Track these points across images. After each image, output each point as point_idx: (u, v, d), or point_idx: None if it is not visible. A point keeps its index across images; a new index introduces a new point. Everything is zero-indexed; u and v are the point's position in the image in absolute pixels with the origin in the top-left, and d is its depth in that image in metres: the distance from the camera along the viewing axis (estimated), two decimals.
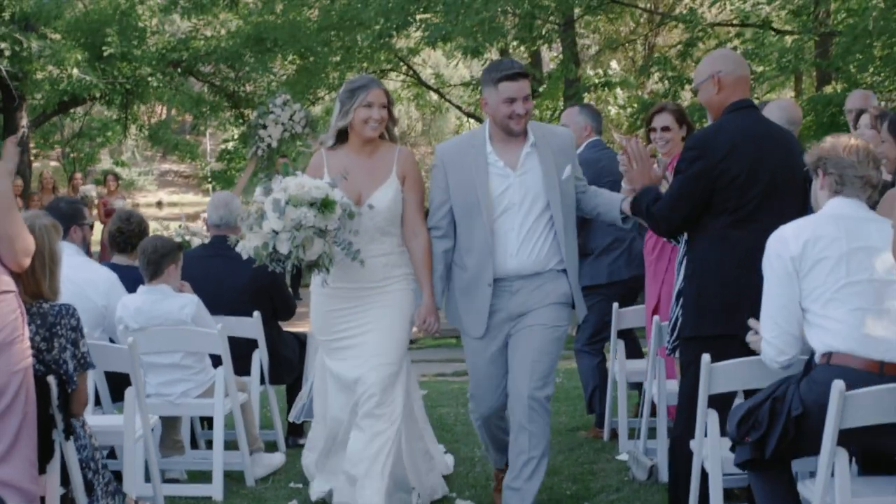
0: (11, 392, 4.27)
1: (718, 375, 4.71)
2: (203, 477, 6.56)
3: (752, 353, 4.65)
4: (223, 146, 34.96)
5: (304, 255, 5.17)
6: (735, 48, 17.09)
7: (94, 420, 5.46)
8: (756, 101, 13.96)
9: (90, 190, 18.04)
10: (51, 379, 4.61)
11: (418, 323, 5.55)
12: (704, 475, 4.87)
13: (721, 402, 4.84)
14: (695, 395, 4.84)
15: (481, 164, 5.47)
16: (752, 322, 4.54)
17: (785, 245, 4.32)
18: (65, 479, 4.77)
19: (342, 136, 5.67)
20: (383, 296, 5.61)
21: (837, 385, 3.84)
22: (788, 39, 18.13)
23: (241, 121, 23.93)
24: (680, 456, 5.16)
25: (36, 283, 4.63)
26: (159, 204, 40.06)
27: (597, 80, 22.11)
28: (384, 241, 5.60)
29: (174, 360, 6.45)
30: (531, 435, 5.40)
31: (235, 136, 29.16)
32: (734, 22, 18.91)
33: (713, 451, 4.73)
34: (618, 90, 23.02)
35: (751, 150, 4.91)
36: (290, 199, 5.15)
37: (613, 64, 25.01)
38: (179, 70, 21.46)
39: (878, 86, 16.56)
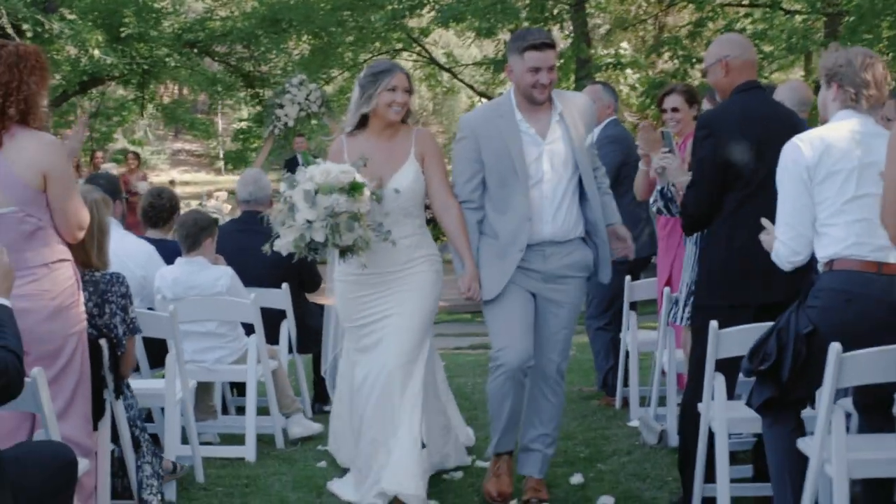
0: (68, 353, 4.60)
1: (726, 341, 5.01)
2: (235, 440, 6.91)
3: (761, 320, 4.97)
4: (235, 125, 35.33)
5: (339, 241, 5.20)
6: (744, 28, 17.37)
7: (135, 384, 5.79)
8: (765, 81, 14.22)
9: (111, 168, 18.36)
10: (102, 342, 4.94)
11: (463, 290, 5.53)
12: (711, 437, 5.18)
13: (728, 367, 5.16)
14: (704, 360, 5.16)
15: (514, 131, 5.50)
16: (764, 221, 4.77)
17: (801, 153, 4.52)
18: (114, 437, 5.12)
19: (362, 122, 5.70)
20: (406, 279, 5.63)
21: (835, 348, 4.14)
22: (798, 19, 18.34)
23: (256, 100, 24.22)
24: (689, 418, 5.46)
25: (85, 253, 4.95)
26: (172, 182, 40.32)
27: (608, 60, 22.33)
28: (407, 224, 5.62)
29: (209, 328, 6.80)
30: (553, 406, 5.71)
31: (248, 116, 29.48)
32: (744, 2, 19.15)
33: (719, 413, 5.03)
34: (628, 70, 23.26)
35: (757, 128, 5.17)
36: (319, 188, 5.18)
37: (624, 44, 25.22)
38: (196, 50, 21.76)
39: (888, 65, 16.79)
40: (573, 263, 5.62)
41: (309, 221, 5.17)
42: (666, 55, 19.69)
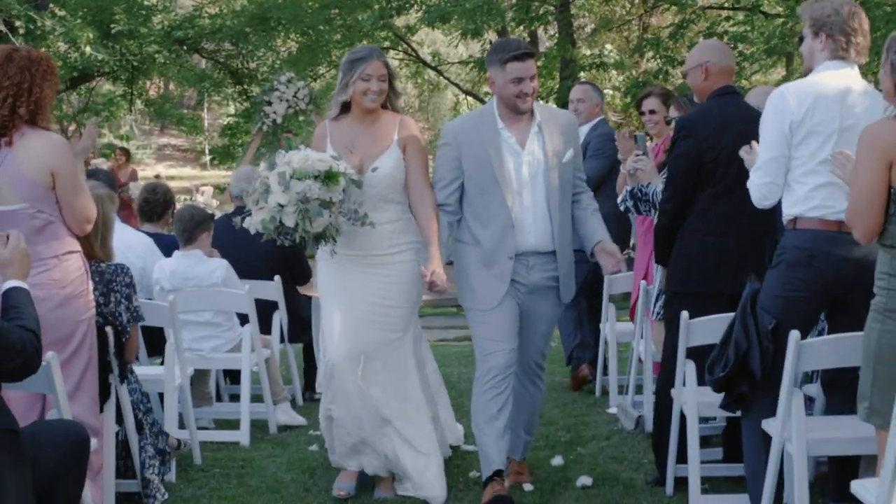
0: (78, 338, 4.89)
1: (696, 329, 5.33)
2: (229, 425, 7.20)
3: (732, 310, 5.28)
4: (221, 121, 35.50)
5: (310, 227, 5.26)
6: (725, 31, 17.67)
7: (135, 371, 6.06)
8: (745, 83, 14.38)
9: (101, 164, 18.58)
10: (108, 329, 5.23)
11: (427, 276, 5.41)
12: (684, 421, 5.49)
13: (699, 355, 5.47)
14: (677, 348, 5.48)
15: (495, 140, 5.52)
16: (744, 151, 5.04)
17: (788, 107, 4.72)
18: (119, 419, 5.40)
19: (346, 107, 5.75)
20: (390, 268, 5.68)
21: (794, 335, 4.45)
22: (777, 22, 18.66)
23: (244, 97, 24.43)
24: (663, 404, 5.78)
25: (90, 245, 5.22)
26: (157, 177, 40.58)
27: (592, 61, 22.62)
28: (388, 209, 5.66)
29: (206, 318, 7.09)
30: (534, 398, 5.89)
31: (234, 112, 29.68)
32: (725, 4, 19.46)
33: (690, 398, 5.34)
34: (612, 72, 23.57)
35: (732, 132, 5.44)
36: (294, 173, 5.25)
37: (608, 45, 25.53)
38: (185, 48, 21.98)
39: (863, 68, 17.11)
40: (552, 275, 5.62)
41: (280, 205, 5.25)
42: (648, 55, 19.97)
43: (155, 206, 7.57)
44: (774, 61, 21.39)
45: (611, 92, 23.60)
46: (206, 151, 42.02)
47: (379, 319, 5.66)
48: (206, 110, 39.74)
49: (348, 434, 5.74)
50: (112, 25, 20.45)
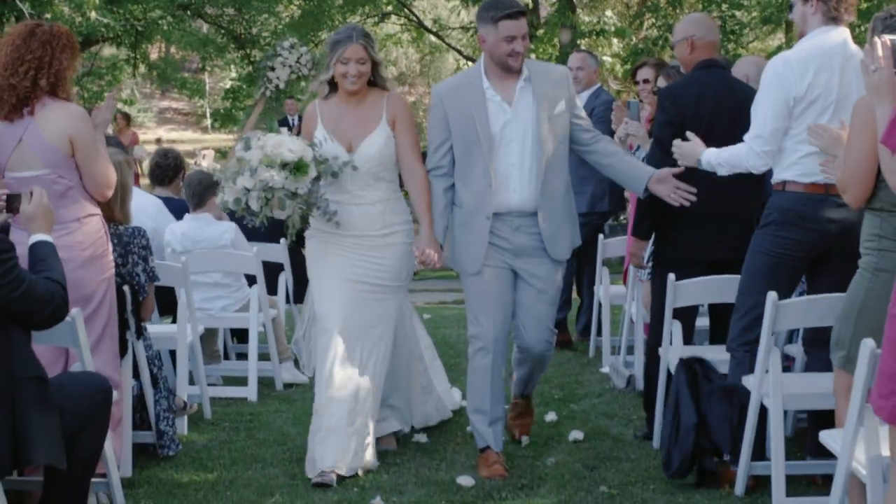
0: (99, 296, 5.19)
1: (682, 292, 5.63)
2: (236, 381, 7.51)
3: (712, 274, 5.59)
4: (222, 84, 35.65)
5: (271, 214, 5.32)
6: (722, 0, 17.88)
7: (149, 328, 6.36)
8: (743, 51, 14.60)
9: None
10: (126, 289, 5.52)
11: (418, 255, 5.49)
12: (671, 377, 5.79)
13: (685, 315, 5.79)
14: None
15: (479, 99, 5.48)
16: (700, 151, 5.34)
17: (790, 79, 4.95)
18: (134, 374, 5.70)
19: (334, 86, 5.72)
20: (382, 250, 5.68)
21: (771, 296, 4.74)
22: None
23: (246, 61, 24.66)
24: (652, 361, 6.09)
25: (109, 209, 5.50)
26: (158, 141, 40.74)
27: (592, 28, 22.80)
28: (379, 187, 5.66)
29: (215, 279, 7.39)
30: (542, 367, 5.97)
31: (235, 76, 29.89)
32: None
33: (675, 355, 5.65)
34: (613, 39, 23.74)
35: (711, 102, 5.72)
36: (262, 159, 5.27)
37: (608, 13, 25.68)
38: (188, 13, 22.20)
39: (861, 36, 17.31)
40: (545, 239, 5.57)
41: (247, 189, 5.29)
42: (648, 23, 20.18)
43: (166, 170, 7.85)
44: (773, 28, 21.57)
45: (610, 59, 23.79)
46: (208, 115, 42.15)
47: (369, 298, 5.66)
48: (206, 74, 39.88)
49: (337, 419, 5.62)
50: None
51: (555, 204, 5.58)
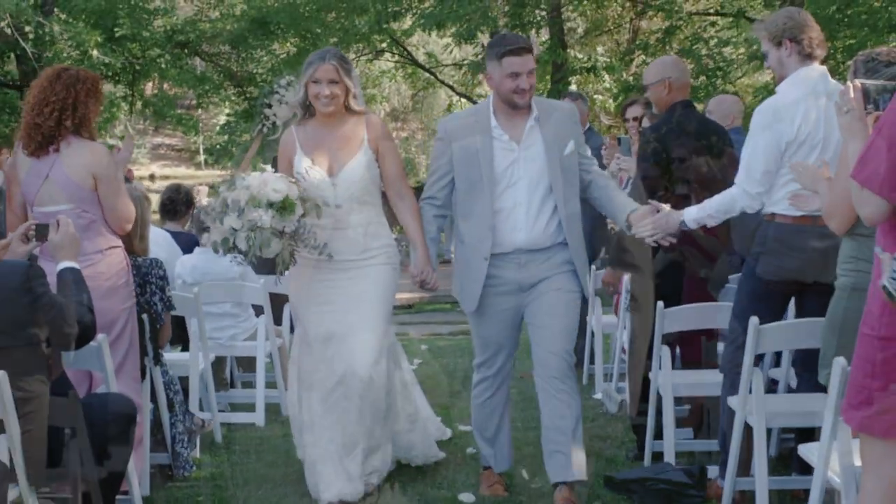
0: (121, 324, 5.50)
1: (670, 318, 5.96)
2: (244, 408, 7.81)
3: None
4: (215, 121, 36.00)
5: (259, 253, 5.30)
6: (710, 37, 18.28)
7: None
8: (730, 87, 14.89)
9: None
10: (144, 317, 5.84)
11: (415, 277, 5.52)
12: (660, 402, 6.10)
13: (674, 340, 6.13)
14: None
15: (486, 137, 5.47)
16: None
17: (782, 123, 5.18)
18: (151, 398, 6.00)
19: (311, 109, 5.66)
20: (363, 271, 5.66)
21: (753, 321, 5.05)
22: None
23: (242, 97, 25.03)
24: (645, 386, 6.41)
25: (129, 241, 5.83)
26: (152, 177, 41.02)
27: (583, 65, 23.22)
28: (363, 211, 5.65)
29: (224, 309, 7.70)
30: (565, 404, 5.50)
31: (230, 111, 30.28)
32: (710, 11, 20.10)
33: (665, 379, 5.96)
34: (605, 75, 24.16)
35: (691, 140, 6.11)
36: (249, 200, 5.26)
37: (599, 48, 26.12)
38: (186, 51, 22.60)
39: (845, 72, 17.74)
40: (557, 264, 5.55)
41: (234, 229, 5.29)
42: (638, 60, 20.61)
43: (178, 204, 8.19)
44: (759, 65, 22.00)
45: (602, 97, 24.21)
46: (201, 151, 42.44)
47: (353, 323, 5.62)
48: (199, 110, 40.19)
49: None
50: (116, 29, 21.06)
51: (576, 239, 5.55)
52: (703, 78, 18.81)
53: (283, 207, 5.30)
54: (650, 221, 5.55)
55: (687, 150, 6.08)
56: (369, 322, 5.63)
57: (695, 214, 5.51)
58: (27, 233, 4.94)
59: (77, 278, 4.75)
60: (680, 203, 5.84)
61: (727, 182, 5.57)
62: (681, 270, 6.20)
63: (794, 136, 5.23)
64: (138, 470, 5.47)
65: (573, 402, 5.54)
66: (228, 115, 30.34)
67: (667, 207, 5.60)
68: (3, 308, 4.26)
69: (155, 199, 8.45)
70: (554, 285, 5.53)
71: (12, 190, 5.63)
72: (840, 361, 4.15)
